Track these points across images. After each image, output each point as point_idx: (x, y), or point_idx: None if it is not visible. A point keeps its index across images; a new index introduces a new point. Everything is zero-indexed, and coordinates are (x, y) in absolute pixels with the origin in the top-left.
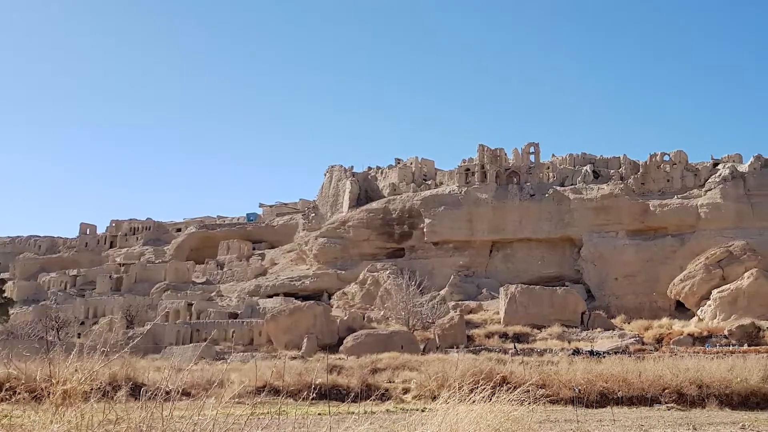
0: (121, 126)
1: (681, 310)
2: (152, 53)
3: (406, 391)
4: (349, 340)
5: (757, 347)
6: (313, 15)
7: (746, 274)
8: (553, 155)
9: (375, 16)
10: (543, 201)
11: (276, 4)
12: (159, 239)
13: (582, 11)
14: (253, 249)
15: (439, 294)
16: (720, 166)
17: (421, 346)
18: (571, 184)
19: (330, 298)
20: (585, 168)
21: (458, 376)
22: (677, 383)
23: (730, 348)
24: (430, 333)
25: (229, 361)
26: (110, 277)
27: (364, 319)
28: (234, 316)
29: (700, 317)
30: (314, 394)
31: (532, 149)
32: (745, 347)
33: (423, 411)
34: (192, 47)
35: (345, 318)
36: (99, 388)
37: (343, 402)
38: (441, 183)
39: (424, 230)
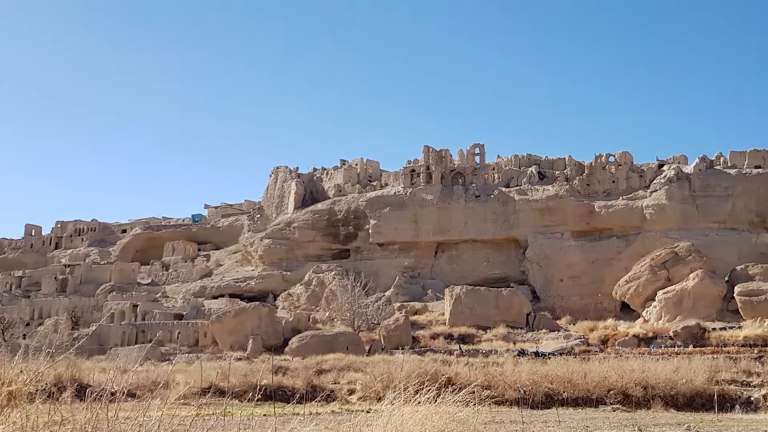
0: (67, 127)
1: (626, 311)
2: (96, 54)
3: (351, 392)
4: (294, 342)
5: (703, 348)
6: (257, 15)
7: (691, 275)
8: (499, 156)
9: (318, 17)
10: (488, 202)
11: (219, 3)
12: (104, 240)
13: (526, 12)
14: (199, 250)
15: (384, 295)
16: (665, 168)
17: (367, 347)
18: (517, 185)
19: (275, 300)
20: (530, 169)
21: (403, 377)
22: (622, 384)
23: (676, 349)
24: (375, 334)
25: (174, 362)
26: (55, 278)
27: (309, 320)
28: (179, 317)
29: (646, 318)
30: (259, 395)
31: (477, 150)
32: (691, 348)
33: (368, 412)
34: (136, 48)
35: (290, 319)
36: (44, 389)
37: (289, 403)
38: (386, 184)
39: (370, 231)
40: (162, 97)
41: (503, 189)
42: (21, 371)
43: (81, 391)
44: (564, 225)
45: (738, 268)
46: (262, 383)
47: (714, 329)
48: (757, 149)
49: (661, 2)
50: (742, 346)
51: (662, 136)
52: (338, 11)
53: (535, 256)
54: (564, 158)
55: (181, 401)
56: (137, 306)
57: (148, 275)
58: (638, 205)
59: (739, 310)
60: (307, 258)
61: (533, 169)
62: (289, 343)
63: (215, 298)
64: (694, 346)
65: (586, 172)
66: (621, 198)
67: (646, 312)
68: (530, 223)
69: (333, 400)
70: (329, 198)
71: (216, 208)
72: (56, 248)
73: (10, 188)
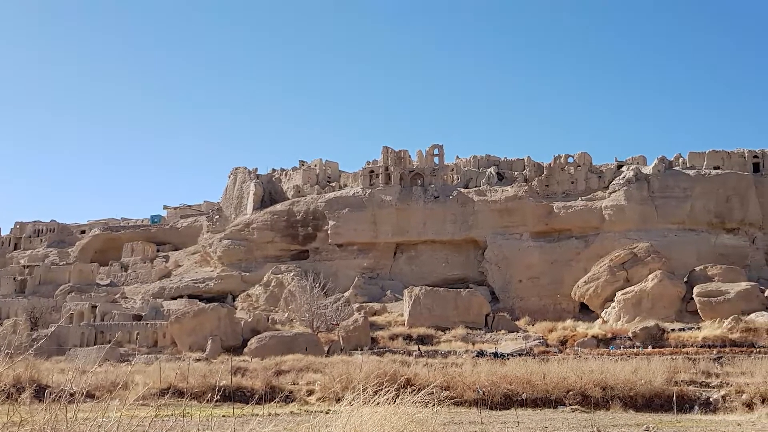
0: (25, 127)
1: (585, 312)
2: (54, 54)
3: (310, 392)
4: (253, 342)
5: (662, 349)
6: (216, 16)
7: (650, 276)
8: (458, 157)
9: (277, 16)
10: (447, 203)
11: (178, 4)
12: (63, 241)
13: (485, 12)
14: (158, 251)
15: (343, 296)
16: (624, 168)
17: (326, 348)
18: (476, 186)
19: (234, 300)
20: (489, 170)
21: (362, 378)
22: (581, 385)
23: (635, 350)
24: (334, 335)
25: (133, 363)
26: (14, 278)
27: (268, 321)
28: (138, 318)
29: (605, 319)
30: (218, 396)
31: (436, 151)
32: (650, 349)
33: (327, 413)
34: (95, 48)
35: (249, 320)
36: (3, 390)
37: (248, 404)
38: (345, 185)
39: (329, 232)
40: (121, 97)
41: (462, 190)
42: None
43: (40, 392)
44: (523, 226)
45: (697, 268)
46: (221, 384)
47: (673, 330)
48: (716, 150)
49: (618, 3)
50: (701, 346)
51: (621, 137)
52: (297, 12)
53: (494, 257)
54: (523, 159)
55: (140, 402)
56: (96, 307)
57: (107, 276)
58: (597, 206)
59: (698, 310)
60: (266, 259)
61: (492, 170)
62: (248, 343)
63: (174, 298)
64: (653, 347)
65: (545, 172)
66: (580, 199)
67: (605, 313)
68: (489, 224)
69: (292, 401)
70: (288, 199)
71: (175, 208)
72: (15, 249)
73: None
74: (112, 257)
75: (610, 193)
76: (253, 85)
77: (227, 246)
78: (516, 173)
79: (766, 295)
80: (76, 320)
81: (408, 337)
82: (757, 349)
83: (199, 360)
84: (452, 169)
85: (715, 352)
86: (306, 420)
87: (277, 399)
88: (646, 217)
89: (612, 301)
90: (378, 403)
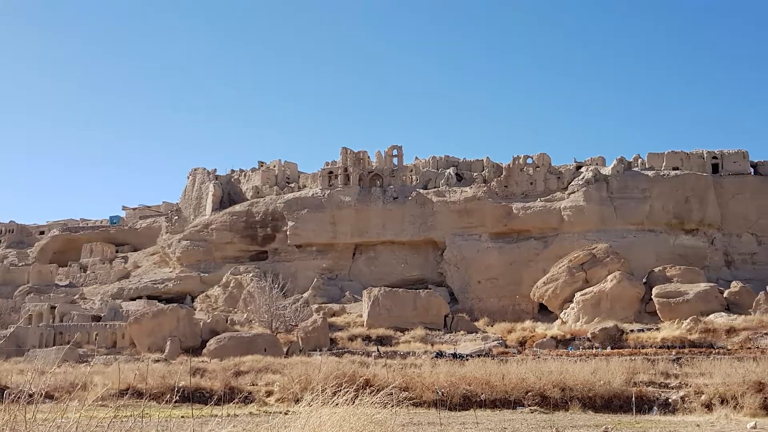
0: None
1: (544, 312)
2: (8, 54)
3: (269, 393)
4: (212, 343)
5: (620, 350)
6: (175, 16)
7: (609, 277)
8: (417, 158)
9: (236, 17)
10: (406, 204)
11: (132, 3)
12: (22, 242)
13: (443, 13)
14: (117, 252)
15: (302, 297)
16: (583, 169)
17: (285, 349)
18: (435, 187)
19: (193, 301)
20: (448, 171)
21: (321, 379)
22: (540, 386)
23: (593, 351)
24: (293, 336)
25: (92, 363)
26: None
27: (227, 321)
28: (97, 318)
29: (564, 320)
30: (177, 397)
31: (395, 152)
32: (609, 350)
33: (286, 414)
34: (50, 48)
35: (208, 321)
36: None
37: (207, 404)
38: (304, 186)
39: (288, 233)
40: (79, 97)
41: (421, 191)
42: None
43: None
44: (482, 227)
45: (656, 269)
46: (180, 385)
47: (632, 331)
48: (675, 151)
49: (575, 2)
50: (660, 347)
51: (580, 137)
52: (255, 13)
53: (452, 257)
54: (482, 160)
55: (99, 403)
56: (55, 308)
57: (66, 277)
58: (556, 207)
59: (657, 311)
60: (225, 259)
61: (451, 170)
62: (207, 344)
63: (133, 299)
64: (612, 348)
65: (504, 173)
66: (539, 200)
67: (564, 314)
68: (448, 225)
69: (251, 402)
70: (247, 200)
71: (134, 209)
72: None
73: None
74: (71, 258)
75: (569, 193)
76: (212, 85)
77: (186, 247)
78: (475, 174)
79: (725, 295)
80: (35, 321)
81: (367, 338)
82: (716, 350)
83: (158, 361)
84: (411, 170)
85: (674, 352)
86: (265, 421)
87: (236, 400)
88: (605, 218)
89: (571, 301)
90: (337, 404)
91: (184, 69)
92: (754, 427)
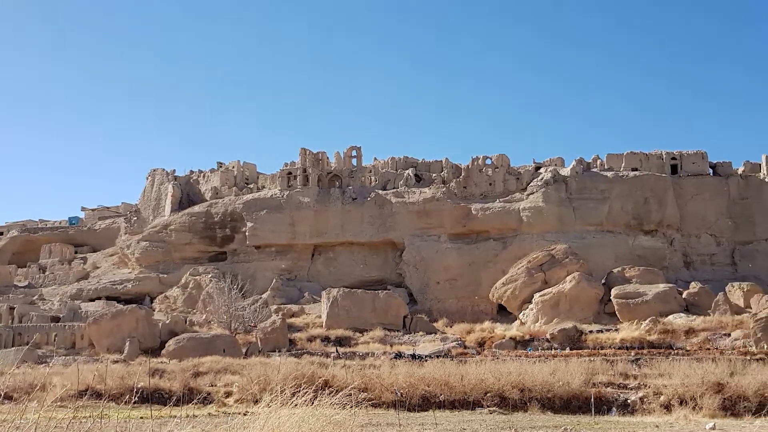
0: None
1: (503, 313)
2: None
3: (228, 394)
4: (171, 344)
5: (579, 351)
6: (134, 15)
7: (568, 278)
8: (376, 159)
9: (193, 16)
10: (365, 205)
11: (91, 3)
12: None
13: (402, 13)
14: (76, 253)
15: (261, 297)
16: (542, 170)
17: (244, 350)
18: (393, 188)
19: (152, 302)
20: (407, 172)
21: (280, 380)
22: (499, 387)
23: (552, 352)
24: (252, 337)
25: (51, 364)
26: None
27: (186, 322)
28: (56, 319)
29: (523, 321)
30: (136, 398)
31: (354, 153)
32: (568, 351)
33: (245, 415)
34: (10, 47)
35: (167, 322)
36: None
37: (166, 405)
38: (263, 187)
39: (246, 234)
40: (38, 97)
41: (380, 192)
42: None
43: None
44: (441, 227)
45: (615, 270)
46: (139, 386)
47: (591, 332)
48: (634, 152)
49: (534, 2)
50: (619, 348)
51: (539, 138)
52: (212, 12)
53: (411, 258)
54: (441, 161)
55: (58, 404)
56: (14, 308)
57: (25, 278)
58: (515, 208)
59: (616, 312)
60: (184, 260)
61: (410, 171)
62: (166, 345)
63: (92, 300)
64: (571, 349)
65: (462, 174)
66: (498, 200)
67: (523, 314)
68: (407, 226)
69: (210, 403)
70: (206, 200)
71: (93, 210)
72: None
73: None
74: (30, 259)
75: (528, 194)
76: (171, 85)
77: (145, 248)
78: (434, 175)
79: (684, 296)
80: None
81: (326, 339)
82: (675, 351)
83: (117, 362)
84: (370, 171)
85: (633, 353)
86: (224, 422)
87: (195, 401)
88: (563, 219)
89: (530, 302)
90: (296, 405)
91: (143, 69)
92: (713, 428)
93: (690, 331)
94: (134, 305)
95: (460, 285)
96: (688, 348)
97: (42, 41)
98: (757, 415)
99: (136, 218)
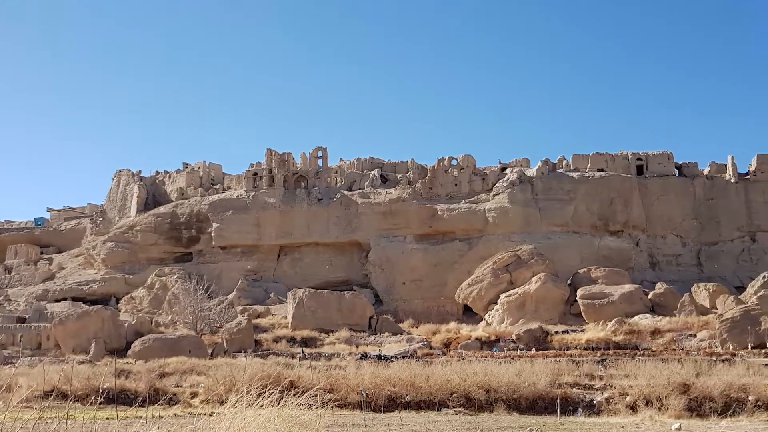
0: None
1: (469, 314)
2: None
3: (194, 395)
4: (137, 345)
5: (545, 351)
6: (102, 15)
7: (534, 279)
8: (341, 159)
9: (161, 16)
10: (331, 205)
11: (61, 3)
12: None
13: (368, 13)
14: (41, 253)
15: (227, 298)
16: (508, 171)
17: (209, 351)
18: (359, 189)
19: (118, 303)
20: (373, 172)
21: (246, 381)
22: (465, 387)
23: (518, 352)
24: (218, 337)
25: (16, 365)
26: None
27: (152, 323)
28: (22, 320)
29: (488, 321)
30: (102, 399)
31: (320, 154)
32: (533, 351)
33: (211, 415)
34: None
35: (133, 322)
36: None
37: (131, 406)
38: (229, 187)
39: (212, 234)
40: (4, 97)
41: (346, 192)
42: None
43: None
44: (407, 228)
45: (580, 271)
46: (105, 386)
47: (557, 332)
48: (600, 152)
49: (497, 2)
50: (585, 349)
51: (505, 139)
52: (179, 12)
53: (377, 259)
54: (407, 161)
55: (24, 404)
56: None
57: None
58: (481, 209)
59: (582, 313)
60: (149, 261)
61: (376, 172)
62: (132, 346)
63: (58, 301)
64: (536, 349)
65: (428, 175)
66: (464, 201)
67: (489, 315)
68: (373, 227)
69: (176, 404)
70: (172, 201)
71: (59, 211)
72: None
73: None
74: None
75: (494, 195)
76: (137, 86)
77: (111, 248)
78: (400, 176)
79: (649, 297)
80: None
81: (292, 340)
82: (641, 352)
83: (82, 362)
84: (336, 172)
85: (598, 354)
86: (190, 422)
87: (161, 401)
88: (529, 220)
89: (496, 303)
90: (262, 406)
91: (109, 69)
92: (679, 429)
93: (656, 332)
94: (100, 306)
95: (426, 286)
96: (653, 349)
97: (7, 40)
98: (723, 416)
99: (101, 219)
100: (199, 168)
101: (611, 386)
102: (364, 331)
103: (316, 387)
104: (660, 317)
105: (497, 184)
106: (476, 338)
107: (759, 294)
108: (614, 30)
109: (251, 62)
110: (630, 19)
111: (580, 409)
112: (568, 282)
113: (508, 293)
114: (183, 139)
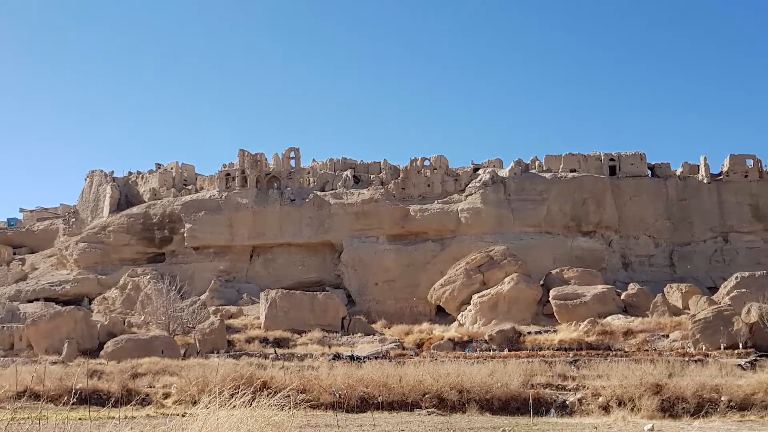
0: None
1: (442, 315)
2: None
3: (166, 395)
4: (109, 345)
5: (518, 352)
6: (74, 16)
7: (506, 279)
8: (314, 160)
9: (132, 17)
10: (303, 206)
11: (31, 3)
12: None
13: (343, 12)
14: (14, 254)
15: (199, 299)
16: (480, 171)
17: (182, 351)
18: (332, 189)
19: (90, 303)
20: (345, 173)
21: (219, 381)
22: (438, 388)
23: (491, 353)
24: (190, 338)
25: None
26: None
27: (124, 324)
28: None
29: (461, 322)
30: (75, 399)
31: (292, 154)
32: (506, 352)
33: (184, 416)
34: None
35: (105, 323)
36: None
37: (104, 407)
38: (201, 188)
39: (185, 235)
40: None
41: (318, 193)
42: None
43: None
44: (379, 229)
45: (553, 271)
46: (78, 387)
47: (529, 333)
48: (573, 153)
49: (472, 2)
50: (558, 349)
51: (477, 140)
52: (151, 13)
53: (350, 260)
54: (379, 162)
55: None
56: None
57: None
58: (453, 209)
59: (555, 313)
60: (122, 262)
61: (348, 173)
62: (105, 346)
63: (30, 301)
64: (509, 350)
65: (401, 175)
66: (436, 202)
67: (462, 316)
68: (345, 227)
69: (148, 404)
70: (144, 202)
71: (31, 211)
72: None
73: None
74: None
75: (467, 196)
76: (109, 87)
77: (83, 249)
78: (372, 176)
79: (622, 297)
80: None
81: (264, 340)
82: (614, 352)
83: (55, 363)
84: (308, 172)
85: (571, 355)
86: (162, 423)
87: (134, 402)
88: (502, 220)
89: (468, 304)
90: (234, 406)
91: (81, 69)
92: (652, 429)
93: (628, 333)
94: (73, 306)
95: (399, 286)
96: (626, 349)
97: None
98: (696, 416)
99: (74, 219)
100: (171, 168)
101: (584, 387)
102: (336, 332)
103: (289, 387)
104: (633, 318)
105: (470, 185)
106: (449, 339)
107: (731, 294)
108: (587, 31)
109: (224, 63)
110: (603, 20)
111: (552, 410)
112: (541, 282)
113: (480, 294)
114: (156, 140)
